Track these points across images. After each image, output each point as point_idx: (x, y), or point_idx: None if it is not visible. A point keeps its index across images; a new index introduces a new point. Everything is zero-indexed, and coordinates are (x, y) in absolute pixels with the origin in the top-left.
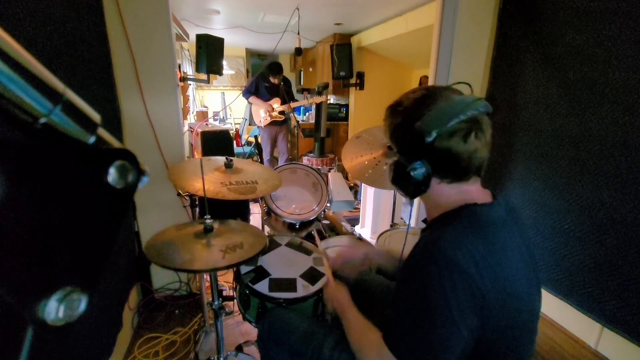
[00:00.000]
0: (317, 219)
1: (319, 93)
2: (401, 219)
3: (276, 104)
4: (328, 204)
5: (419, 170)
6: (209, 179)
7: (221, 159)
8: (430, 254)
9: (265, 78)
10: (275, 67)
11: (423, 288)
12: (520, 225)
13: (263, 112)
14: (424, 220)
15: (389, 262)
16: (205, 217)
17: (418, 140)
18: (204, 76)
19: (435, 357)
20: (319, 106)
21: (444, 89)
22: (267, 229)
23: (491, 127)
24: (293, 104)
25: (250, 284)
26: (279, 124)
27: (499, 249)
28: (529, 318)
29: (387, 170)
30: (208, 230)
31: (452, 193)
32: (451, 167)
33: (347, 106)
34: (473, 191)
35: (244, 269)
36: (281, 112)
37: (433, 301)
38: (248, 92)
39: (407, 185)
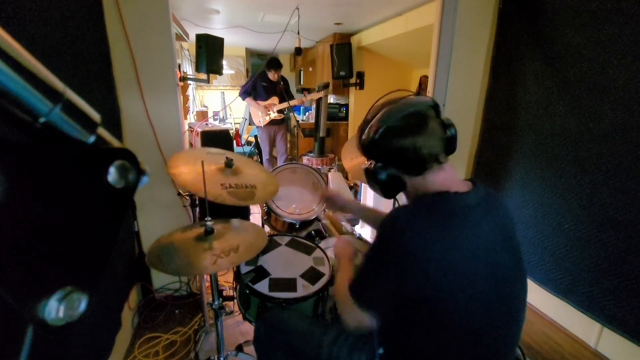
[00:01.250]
0: (317, 219)
1: (319, 92)
2: None
3: (274, 102)
4: None
5: (382, 171)
6: (208, 178)
7: (221, 158)
8: (386, 223)
9: (264, 77)
10: (275, 62)
11: (374, 247)
12: (497, 211)
13: (261, 113)
14: None
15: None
16: (206, 219)
17: (369, 147)
18: (203, 76)
19: (365, 292)
20: (318, 104)
21: (399, 98)
22: (267, 228)
23: (436, 118)
24: (292, 102)
25: (250, 284)
26: (277, 124)
27: (454, 232)
28: (512, 300)
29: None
30: (209, 232)
31: (426, 184)
32: (405, 161)
33: (347, 106)
34: (444, 179)
35: (244, 269)
36: (280, 111)
37: (377, 255)
38: (245, 93)
39: (379, 186)
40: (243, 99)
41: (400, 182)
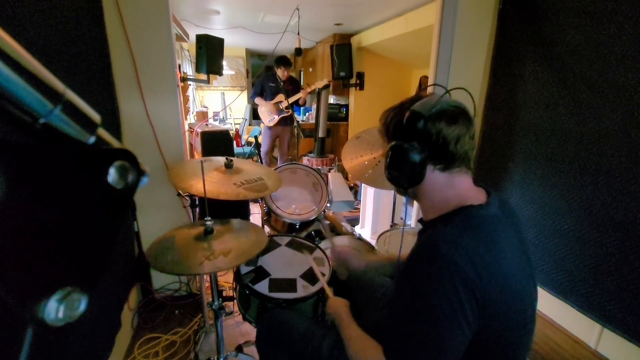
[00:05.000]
0: (317, 219)
1: (319, 93)
2: (401, 219)
3: (281, 100)
4: (328, 204)
5: (415, 150)
6: (220, 182)
7: (220, 163)
8: (428, 255)
9: (271, 77)
10: (284, 60)
11: (422, 290)
12: (514, 219)
13: (270, 112)
14: (420, 220)
15: (381, 273)
16: (205, 218)
17: (413, 122)
18: (204, 76)
19: (438, 358)
20: (318, 104)
21: (429, 93)
22: (267, 229)
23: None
24: (292, 98)
25: (250, 284)
26: (283, 125)
27: (495, 247)
28: (527, 312)
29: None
30: (208, 232)
31: (444, 186)
32: (441, 150)
33: (347, 106)
34: (465, 188)
35: (244, 269)
36: (287, 107)
37: (433, 302)
38: (254, 94)
39: (403, 168)
40: (253, 100)
41: (422, 173)
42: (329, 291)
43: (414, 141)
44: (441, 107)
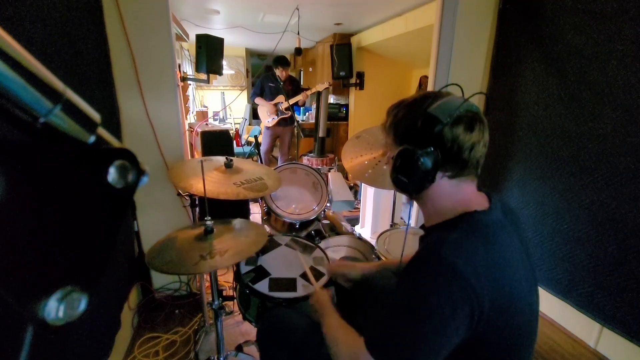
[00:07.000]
0: (317, 219)
1: (319, 93)
2: (401, 218)
3: (281, 101)
4: (328, 204)
5: (429, 157)
6: (219, 182)
7: (220, 162)
8: (429, 258)
9: (270, 78)
10: (282, 60)
11: (416, 290)
12: (517, 225)
13: (269, 113)
14: (422, 227)
15: (385, 275)
16: (205, 218)
17: (429, 126)
18: (203, 76)
19: (417, 357)
20: (318, 104)
21: (442, 92)
22: (267, 228)
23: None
24: (292, 100)
25: (250, 284)
26: (283, 125)
27: (499, 255)
28: (529, 318)
29: (389, 166)
30: (208, 232)
31: (451, 193)
32: (454, 157)
33: (347, 106)
34: (469, 193)
35: (244, 269)
36: (287, 109)
37: (424, 302)
38: (254, 94)
39: (413, 175)
40: (253, 100)
41: (431, 180)
42: (316, 284)
43: (427, 147)
44: (459, 113)
